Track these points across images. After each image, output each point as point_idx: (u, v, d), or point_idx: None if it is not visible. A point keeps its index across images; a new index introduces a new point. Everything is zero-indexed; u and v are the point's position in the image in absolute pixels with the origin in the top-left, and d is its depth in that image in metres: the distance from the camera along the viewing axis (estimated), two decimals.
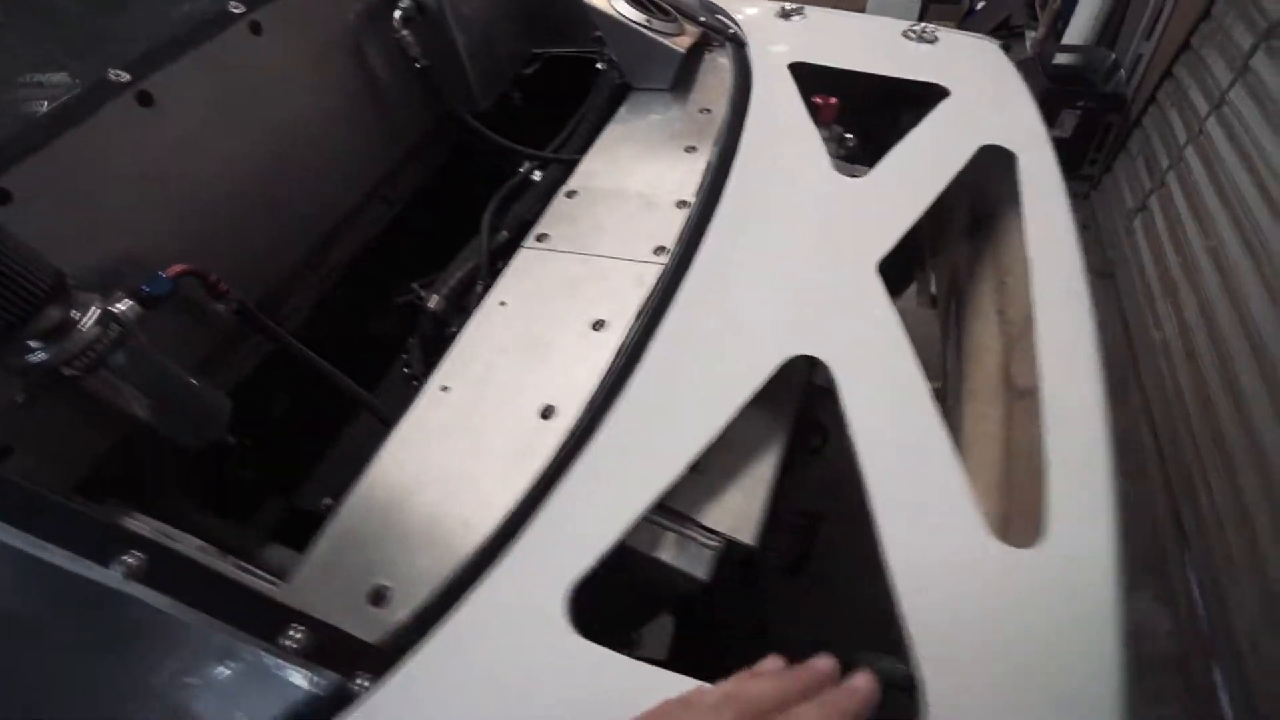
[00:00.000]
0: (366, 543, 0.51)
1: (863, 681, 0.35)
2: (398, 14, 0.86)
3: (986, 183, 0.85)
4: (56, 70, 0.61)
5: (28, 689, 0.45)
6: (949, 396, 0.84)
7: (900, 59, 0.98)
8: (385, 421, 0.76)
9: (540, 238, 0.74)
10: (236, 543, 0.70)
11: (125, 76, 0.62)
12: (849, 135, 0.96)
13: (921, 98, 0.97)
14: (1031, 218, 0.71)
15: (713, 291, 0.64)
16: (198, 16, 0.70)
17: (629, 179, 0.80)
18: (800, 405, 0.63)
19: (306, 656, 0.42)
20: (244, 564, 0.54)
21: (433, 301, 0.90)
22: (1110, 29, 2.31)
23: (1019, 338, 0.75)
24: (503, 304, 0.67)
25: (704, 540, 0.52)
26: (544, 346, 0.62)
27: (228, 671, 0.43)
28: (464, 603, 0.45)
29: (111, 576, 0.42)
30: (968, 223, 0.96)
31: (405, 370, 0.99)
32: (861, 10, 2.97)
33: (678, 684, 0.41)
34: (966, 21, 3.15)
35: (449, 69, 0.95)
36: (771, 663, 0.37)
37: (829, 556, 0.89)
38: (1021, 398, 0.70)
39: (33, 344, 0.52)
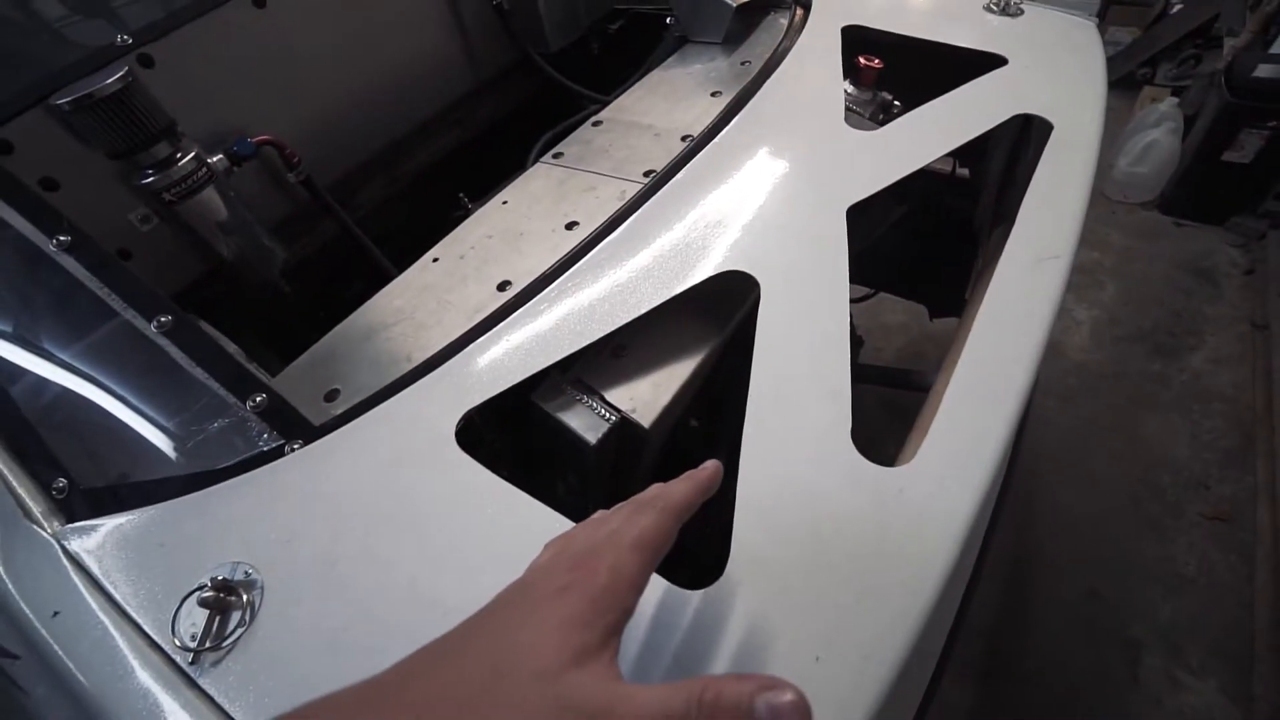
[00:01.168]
0: (338, 359, 0.63)
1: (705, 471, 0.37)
2: None
3: (1025, 156, 0.81)
4: None
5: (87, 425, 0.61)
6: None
7: (970, 29, 0.94)
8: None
9: (556, 155, 0.82)
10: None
11: None
12: (897, 103, 0.94)
13: (979, 69, 0.93)
14: (1038, 182, 0.68)
15: (678, 206, 0.68)
16: None
17: (649, 115, 0.86)
18: (740, 324, 0.66)
19: (261, 416, 0.54)
20: (256, 364, 0.68)
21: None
22: None
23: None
24: (505, 203, 0.77)
25: (602, 412, 0.58)
26: (520, 236, 0.71)
27: (215, 425, 0.57)
28: (380, 406, 0.55)
29: (149, 328, 0.57)
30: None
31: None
32: None
33: (543, 512, 0.48)
34: (1156, 26, 2.77)
35: (526, 9, 1.06)
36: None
37: None
38: None
39: (148, 171, 0.70)
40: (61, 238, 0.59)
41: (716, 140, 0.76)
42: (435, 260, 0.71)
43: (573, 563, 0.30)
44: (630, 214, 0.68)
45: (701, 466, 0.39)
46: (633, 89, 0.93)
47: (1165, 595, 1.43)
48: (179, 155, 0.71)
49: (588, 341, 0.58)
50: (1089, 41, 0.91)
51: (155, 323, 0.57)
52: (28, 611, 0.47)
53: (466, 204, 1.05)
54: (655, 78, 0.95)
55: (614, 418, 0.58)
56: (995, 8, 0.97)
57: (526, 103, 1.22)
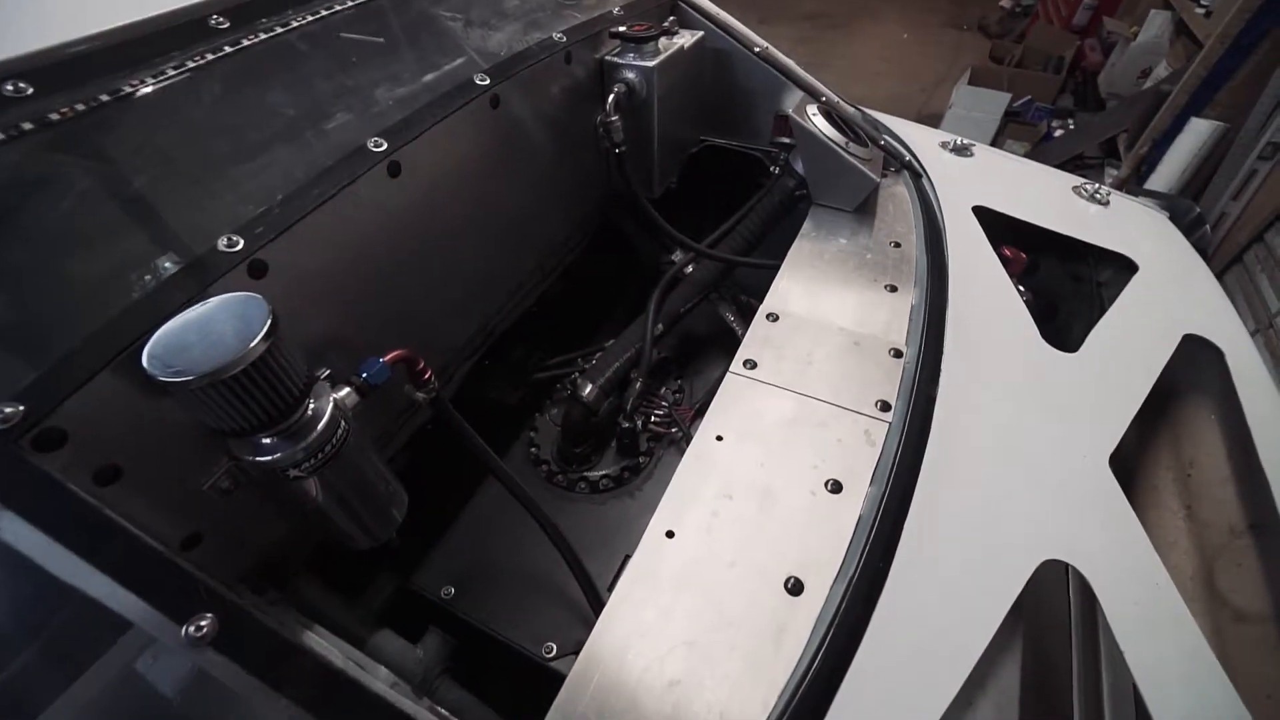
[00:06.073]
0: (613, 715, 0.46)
1: None
2: (611, 97, 0.84)
3: (1174, 366, 0.84)
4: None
5: None
6: None
7: (1077, 219, 0.97)
8: (549, 533, 0.71)
9: (748, 364, 0.70)
10: (350, 626, 0.63)
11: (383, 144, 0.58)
12: (1020, 288, 0.94)
13: (1101, 263, 0.97)
14: (1256, 422, 0.69)
15: (951, 474, 0.60)
16: (447, 84, 0.67)
17: (831, 311, 0.77)
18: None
19: None
20: None
21: (586, 390, 0.86)
22: (1197, 182, 2.35)
23: (1227, 548, 0.72)
24: (719, 438, 0.63)
25: None
26: (773, 500, 0.58)
27: None
28: None
29: None
30: None
31: (532, 450, 0.94)
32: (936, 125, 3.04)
33: None
34: (1042, 146, 3.21)
35: (640, 154, 0.93)
36: None
37: None
38: (1241, 621, 0.67)
39: (265, 441, 0.47)
40: (201, 624, 0.37)
41: (945, 374, 0.68)
42: (670, 535, 0.56)
43: None
44: (904, 481, 0.58)
45: None
46: (786, 268, 0.84)
47: None
48: (312, 417, 0.49)
49: (950, 698, 0.47)
50: (1178, 238, 0.98)
51: None
52: None
53: (573, 379, 0.89)
54: (803, 250, 0.87)
55: None
56: (1085, 193, 1.02)
57: (594, 247, 1.07)
